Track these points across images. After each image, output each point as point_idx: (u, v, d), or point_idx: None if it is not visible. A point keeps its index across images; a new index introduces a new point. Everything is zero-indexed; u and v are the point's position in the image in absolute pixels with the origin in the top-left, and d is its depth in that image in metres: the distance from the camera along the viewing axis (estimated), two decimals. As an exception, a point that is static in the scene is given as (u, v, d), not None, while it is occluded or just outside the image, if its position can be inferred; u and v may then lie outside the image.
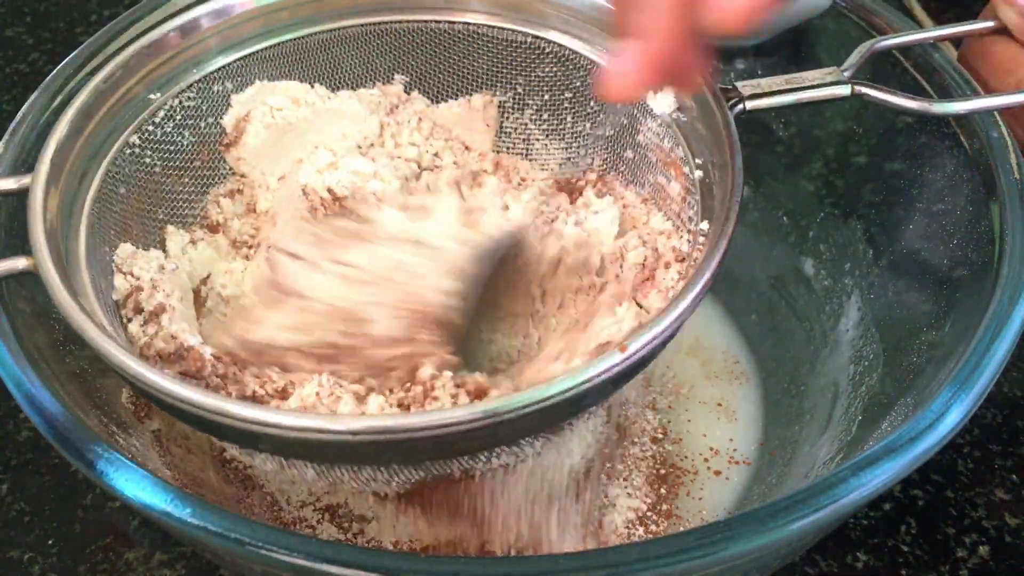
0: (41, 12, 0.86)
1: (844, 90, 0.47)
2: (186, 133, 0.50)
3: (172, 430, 0.51)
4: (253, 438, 0.38)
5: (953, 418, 0.39)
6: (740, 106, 0.46)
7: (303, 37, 0.52)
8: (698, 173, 0.46)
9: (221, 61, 0.50)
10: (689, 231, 0.46)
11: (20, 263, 0.41)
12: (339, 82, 0.53)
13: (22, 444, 0.57)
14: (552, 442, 0.45)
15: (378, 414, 0.41)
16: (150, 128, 0.49)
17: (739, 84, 0.47)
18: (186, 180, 0.51)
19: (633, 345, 0.38)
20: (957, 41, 0.56)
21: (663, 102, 0.47)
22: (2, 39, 0.83)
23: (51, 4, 0.87)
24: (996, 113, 0.49)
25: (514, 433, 0.40)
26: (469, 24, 0.52)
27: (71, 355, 0.46)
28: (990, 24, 0.51)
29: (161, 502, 0.36)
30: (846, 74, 0.48)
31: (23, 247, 0.42)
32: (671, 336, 0.40)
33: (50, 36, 0.84)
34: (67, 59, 0.50)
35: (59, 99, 0.48)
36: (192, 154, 0.51)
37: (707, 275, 0.40)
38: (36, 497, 0.54)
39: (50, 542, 0.52)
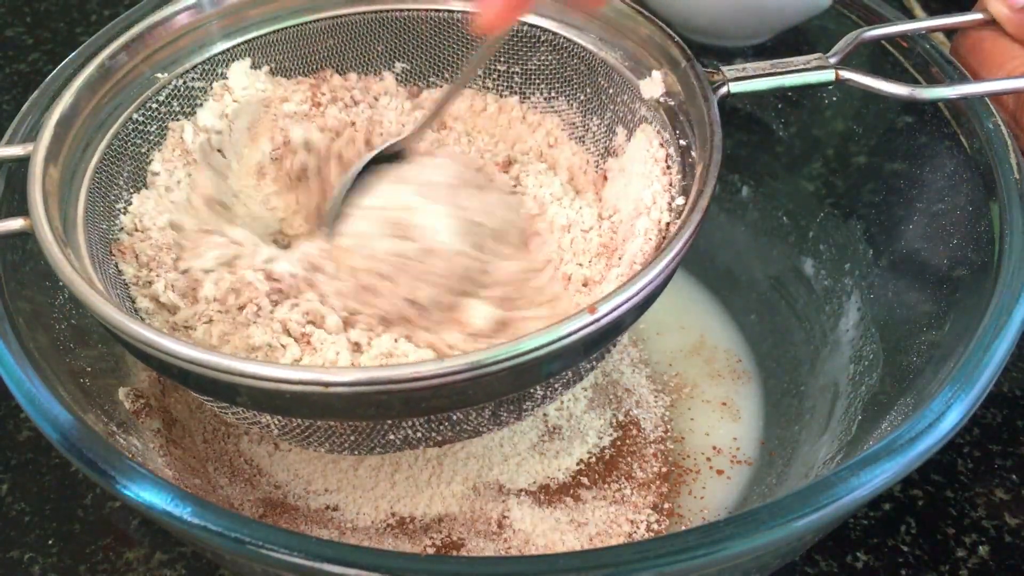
0: (41, 12, 0.86)
1: (828, 75, 0.47)
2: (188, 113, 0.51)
3: (172, 430, 0.51)
4: (232, 390, 0.39)
5: (953, 418, 0.39)
6: (724, 88, 0.47)
7: (306, 23, 0.53)
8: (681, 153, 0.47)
9: (225, 44, 0.52)
10: (669, 207, 0.47)
11: (17, 223, 0.42)
12: (341, 69, 0.55)
13: (22, 444, 0.56)
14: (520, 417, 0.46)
15: (353, 367, 0.42)
16: (154, 106, 0.50)
17: (724, 68, 0.47)
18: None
19: (603, 307, 0.38)
20: (951, 35, 0.56)
21: (652, 87, 0.48)
22: (2, 39, 0.83)
23: (51, 4, 0.87)
24: (990, 103, 0.49)
25: (481, 394, 0.41)
26: (468, 13, 0.53)
27: (71, 355, 0.46)
28: (979, 16, 0.51)
29: (161, 502, 0.36)
30: (831, 60, 0.48)
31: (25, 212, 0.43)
32: (642, 304, 0.40)
33: (50, 36, 0.84)
34: (67, 59, 0.50)
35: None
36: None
37: (678, 246, 0.41)
38: (36, 497, 0.54)
39: (50, 542, 0.52)
